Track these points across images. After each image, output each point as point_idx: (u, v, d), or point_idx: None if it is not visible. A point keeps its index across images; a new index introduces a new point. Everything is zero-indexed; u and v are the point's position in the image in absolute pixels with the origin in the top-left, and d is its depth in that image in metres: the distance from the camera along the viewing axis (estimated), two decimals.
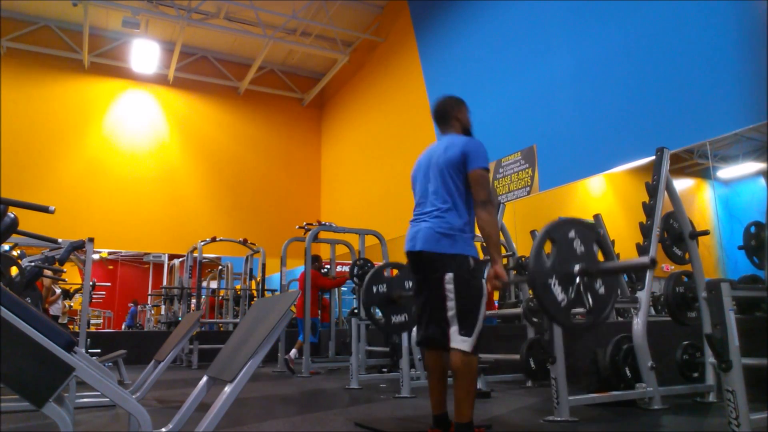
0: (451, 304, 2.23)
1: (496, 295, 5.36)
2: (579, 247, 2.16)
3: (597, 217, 5.48)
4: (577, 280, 2.08)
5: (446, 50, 7.73)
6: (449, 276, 2.24)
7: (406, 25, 8.79)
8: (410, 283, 3.25)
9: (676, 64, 4.55)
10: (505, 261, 2.30)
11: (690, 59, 4.44)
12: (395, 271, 3.57)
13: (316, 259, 6.95)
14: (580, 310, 2.16)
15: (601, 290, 2.15)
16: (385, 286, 3.14)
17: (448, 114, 2.59)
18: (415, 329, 3.37)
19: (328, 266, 7.91)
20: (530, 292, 4.88)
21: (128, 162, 10.02)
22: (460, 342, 2.20)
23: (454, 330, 2.21)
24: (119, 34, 9.90)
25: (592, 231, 2.24)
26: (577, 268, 2.09)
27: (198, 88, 10.86)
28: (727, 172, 4.56)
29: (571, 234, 2.16)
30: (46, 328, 1.59)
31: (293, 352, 6.16)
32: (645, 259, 1.93)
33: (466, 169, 2.34)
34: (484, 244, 2.35)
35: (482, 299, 2.27)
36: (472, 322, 2.22)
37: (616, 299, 2.24)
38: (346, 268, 7.28)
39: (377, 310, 3.46)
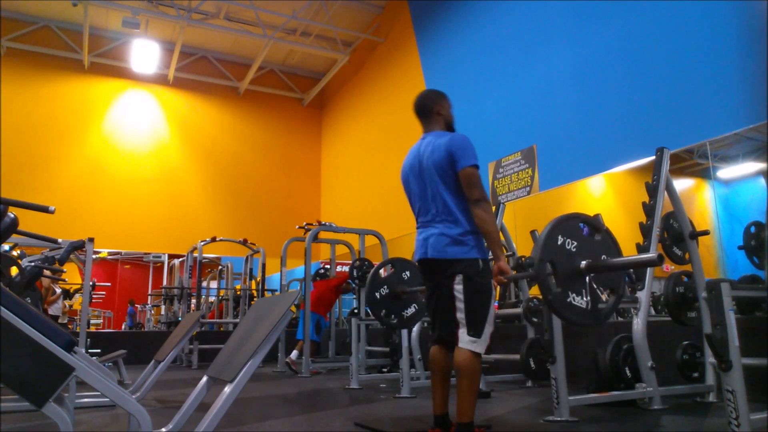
0: (460, 305, 2.24)
1: (496, 295, 5.36)
2: (585, 242, 2.14)
3: (597, 217, 5.48)
4: (586, 277, 2.07)
5: (446, 50, 7.73)
6: (459, 278, 2.25)
7: (406, 25, 8.79)
8: (408, 274, 3.24)
9: (676, 64, 4.55)
10: (505, 261, 2.29)
11: (690, 59, 4.43)
12: (383, 270, 3.56)
13: (317, 273, 6.99)
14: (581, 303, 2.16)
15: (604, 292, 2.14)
16: (385, 287, 3.13)
17: (429, 108, 2.57)
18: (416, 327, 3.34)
19: (328, 266, 7.91)
20: (531, 292, 4.89)
21: (128, 162, 10.02)
22: (468, 343, 2.20)
23: (462, 331, 2.22)
24: (119, 34, 9.90)
25: (599, 225, 2.23)
26: (583, 264, 2.08)
27: (198, 88, 10.86)
28: (727, 172, 4.55)
29: (577, 230, 2.15)
30: (46, 328, 1.59)
31: (294, 353, 6.16)
32: (652, 255, 1.93)
33: (455, 169, 2.32)
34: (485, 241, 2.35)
35: (491, 301, 2.28)
36: (481, 324, 2.23)
37: (623, 296, 2.24)
38: (346, 268, 7.28)
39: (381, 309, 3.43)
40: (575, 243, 2.05)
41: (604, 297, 2.15)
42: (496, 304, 5.41)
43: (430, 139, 2.47)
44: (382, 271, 3.34)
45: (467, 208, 2.33)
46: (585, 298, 2.10)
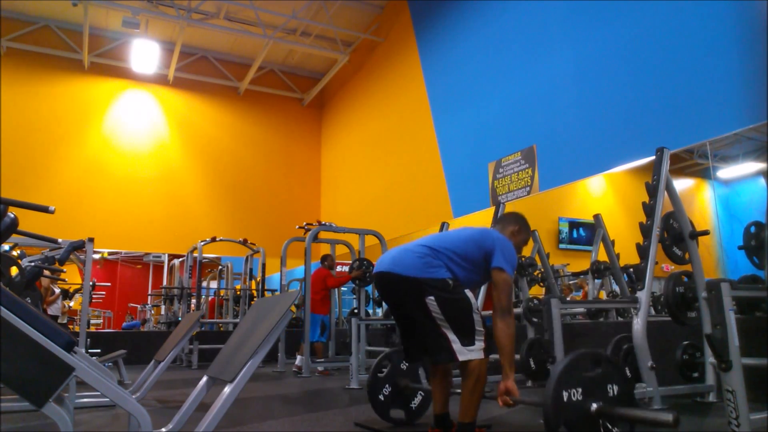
0: (443, 323, 2.19)
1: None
2: (602, 384, 2.06)
3: (597, 217, 5.48)
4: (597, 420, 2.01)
5: (446, 50, 7.73)
6: (431, 299, 2.18)
7: (406, 25, 8.79)
8: (405, 366, 3.17)
9: (676, 64, 4.54)
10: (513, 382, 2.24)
11: (690, 59, 4.43)
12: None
13: (325, 258, 6.94)
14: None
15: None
16: (387, 386, 3.08)
17: (509, 222, 2.56)
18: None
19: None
20: (531, 292, 4.89)
21: (128, 162, 10.01)
22: (467, 353, 2.18)
23: (457, 346, 2.18)
24: (119, 34, 9.90)
25: (619, 372, 2.14)
26: (594, 408, 2.01)
27: (198, 88, 10.86)
28: (727, 172, 4.56)
29: (597, 368, 2.07)
30: (46, 328, 1.59)
31: (299, 359, 6.13)
32: (668, 417, 1.87)
33: (488, 259, 2.28)
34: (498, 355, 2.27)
35: (471, 310, 2.23)
36: (470, 332, 2.20)
37: None
38: (346, 268, 7.29)
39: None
40: (579, 389, 2.00)
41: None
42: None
43: (487, 230, 2.45)
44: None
45: (462, 277, 2.27)
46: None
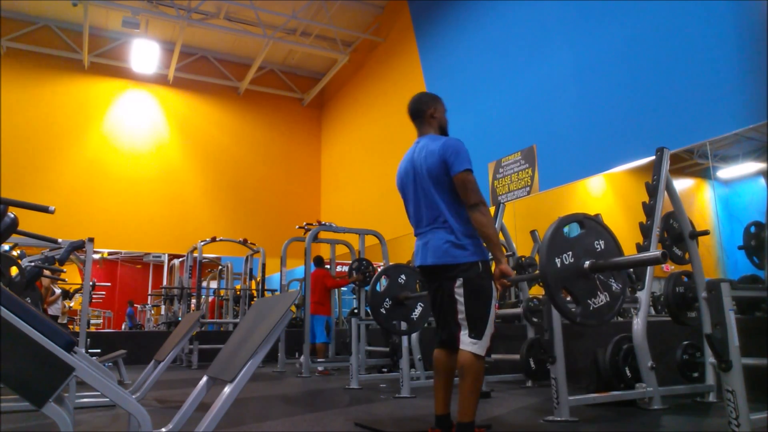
0: (461, 308, 2.25)
1: (497, 295, 5.36)
2: (589, 242, 2.15)
3: (597, 217, 5.48)
4: (592, 275, 2.09)
5: (446, 50, 7.73)
6: (459, 281, 2.26)
7: (406, 25, 8.79)
8: (403, 278, 3.24)
9: (676, 64, 4.55)
10: (505, 261, 2.29)
11: (690, 59, 4.44)
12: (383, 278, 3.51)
13: (320, 261, 6.97)
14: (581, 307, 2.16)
15: (614, 286, 2.15)
16: (387, 299, 3.13)
17: (423, 112, 2.52)
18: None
19: (328, 266, 7.91)
20: (531, 292, 4.89)
21: (128, 162, 10.02)
22: (469, 345, 2.21)
23: (464, 333, 2.23)
24: (119, 34, 9.90)
25: (603, 227, 2.25)
26: (587, 264, 2.09)
27: (198, 88, 10.86)
28: (727, 172, 4.56)
29: (580, 229, 2.16)
30: (46, 328, 1.59)
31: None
32: (657, 254, 1.95)
33: (449, 174, 2.31)
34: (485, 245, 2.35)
35: (491, 303, 2.28)
36: (482, 325, 2.24)
37: (626, 295, 2.25)
38: (346, 268, 7.29)
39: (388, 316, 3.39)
40: (570, 252, 2.07)
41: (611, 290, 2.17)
42: (497, 304, 5.42)
43: (424, 143, 2.45)
44: (380, 285, 3.34)
45: (464, 212, 2.33)
46: (602, 295, 2.13)
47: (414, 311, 3.17)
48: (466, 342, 2.22)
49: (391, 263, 3.27)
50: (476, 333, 2.22)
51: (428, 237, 2.37)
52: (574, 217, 2.27)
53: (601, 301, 2.13)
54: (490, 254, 2.34)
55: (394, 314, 3.10)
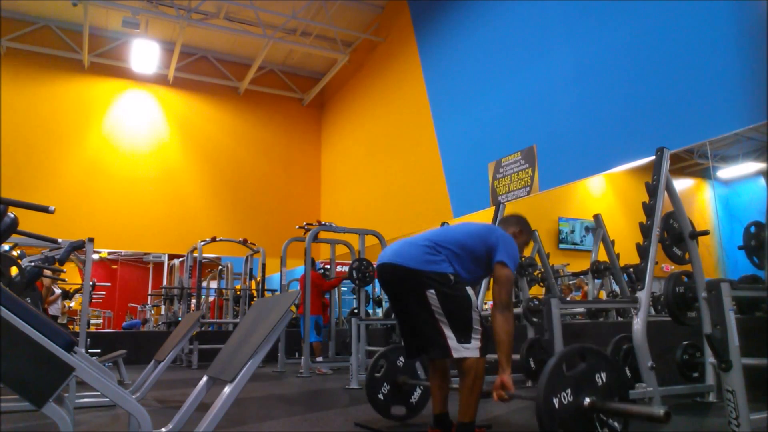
0: (441, 318, 2.20)
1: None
2: (590, 376, 2.07)
3: (597, 217, 5.48)
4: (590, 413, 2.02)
5: (446, 50, 7.73)
6: (431, 293, 2.20)
7: (406, 25, 8.78)
8: (402, 360, 3.14)
9: (676, 64, 4.54)
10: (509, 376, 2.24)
11: (690, 59, 4.43)
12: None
13: (311, 262, 6.97)
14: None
15: (614, 424, 2.07)
16: (385, 384, 3.08)
17: (511, 224, 2.59)
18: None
19: (328, 266, 7.91)
20: (531, 292, 4.89)
21: (128, 162, 10.02)
22: (462, 350, 2.19)
23: (452, 342, 2.19)
24: (119, 34, 9.90)
25: (605, 358, 2.16)
26: (587, 402, 2.02)
27: (198, 88, 10.86)
28: (727, 172, 4.56)
29: (582, 364, 2.07)
30: (46, 328, 1.59)
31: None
32: (659, 412, 1.89)
33: (489, 254, 2.31)
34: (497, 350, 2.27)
35: (471, 307, 2.23)
36: (467, 329, 2.20)
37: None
38: (346, 268, 7.29)
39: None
40: (569, 389, 2.01)
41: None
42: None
43: (491, 226, 2.49)
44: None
45: (462, 267, 2.29)
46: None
47: (413, 395, 3.13)
48: (458, 348, 2.18)
49: (388, 347, 3.21)
50: (465, 338, 2.19)
51: (406, 243, 2.34)
52: (576, 349, 2.16)
53: None
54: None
55: (393, 399, 3.06)
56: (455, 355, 2.18)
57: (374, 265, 6.77)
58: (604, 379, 2.05)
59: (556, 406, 1.93)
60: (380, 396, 3.01)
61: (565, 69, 5.68)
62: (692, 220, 3.57)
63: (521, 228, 2.59)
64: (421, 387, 3.10)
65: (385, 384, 3.03)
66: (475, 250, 2.33)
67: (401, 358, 3.10)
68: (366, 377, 3.05)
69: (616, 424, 2.05)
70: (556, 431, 1.90)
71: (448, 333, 2.19)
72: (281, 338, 6.58)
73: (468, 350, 2.18)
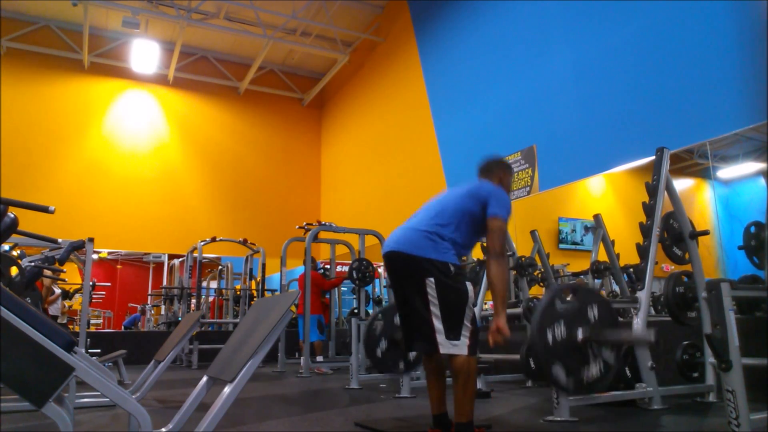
0: (434, 309, 2.20)
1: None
2: (582, 311, 2.10)
3: (597, 217, 5.48)
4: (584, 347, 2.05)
5: (446, 50, 7.73)
6: (431, 281, 2.20)
7: (406, 25, 8.78)
8: (398, 318, 3.21)
9: (676, 64, 4.54)
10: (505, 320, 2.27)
11: (690, 59, 4.43)
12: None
13: (312, 261, 6.97)
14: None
15: (607, 355, 2.11)
16: (383, 340, 3.11)
17: (493, 172, 2.60)
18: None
19: (328, 266, 7.91)
20: (531, 292, 4.89)
21: (128, 162, 10.02)
22: (450, 347, 2.17)
23: (441, 337, 2.18)
24: (119, 34, 9.90)
25: (596, 294, 2.21)
26: (580, 336, 2.04)
27: (198, 88, 10.86)
28: (727, 172, 4.56)
29: (574, 301, 2.11)
30: (46, 328, 1.59)
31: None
32: (650, 336, 1.94)
33: (484, 209, 2.33)
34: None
35: (466, 303, 2.23)
36: (458, 326, 2.19)
37: (620, 363, 2.22)
38: (346, 268, 7.29)
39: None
40: (562, 322, 2.04)
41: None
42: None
43: (479, 181, 2.53)
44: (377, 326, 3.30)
45: (463, 240, 2.33)
46: (595, 366, 2.09)
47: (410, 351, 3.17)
48: (446, 345, 2.18)
49: (386, 305, 3.27)
50: (454, 334, 2.18)
51: (408, 226, 2.38)
52: (567, 286, 2.24)
53: (594, 373, 2.09)
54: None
55: (391, 356, 3.08)
56: (442, 350, 2.18)
57: (374, 265, 6.77)
58: (596, 314, 2.09)
59: (550, 340, 1.96)
60: (378, 353, 3.02)
61: (565, 69, 5.68)
62: (692, 220, 3.57)
63: (503, 169, 2.61)
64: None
65: (383, 341, 3.05)
66: (474, 212, 2.35)
67: (397, 316, 3.12)
68: (364, 334, 3.06)
69: (608, 355, 2.09)
70: (552, 363, 1.94)
71: (438, 326, 2.18)
72: (281, 338, 6.58)
73: (456, 347, 2.17)
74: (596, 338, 2.04)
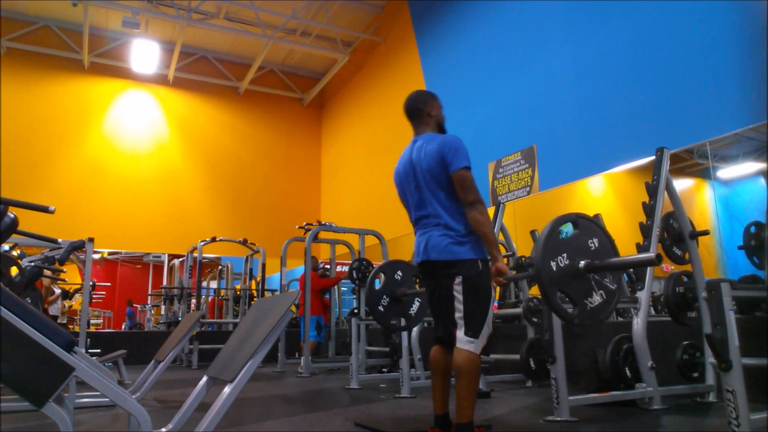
0: (459, 306, 2.25)
1: (496, 295, 5.36)
2: (583, 242, 2.16)
3: (597, 217, 5.48)
4: (587, 276, 2.10)
5: (446, 50, 7.73)
6: (458, 279, 2.26)
7: (406, 25, 8.79)
8: (400, 274, 3.26)
9: (677, 64, 4.55)
10: (504, 261, 2.30)
11: (690, 59, 4.43)
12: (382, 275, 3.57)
13: (313, 260, 6.97)
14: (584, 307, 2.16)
15: (610, 284, 2.17)
16: (384, 296, 3.14)
17: (420, 110, 2.53)
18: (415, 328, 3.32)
19: (328, 266, 7.91)
20: (531, 291, 4.89)
21: (128, 162, 10.02)
22: (465, 343, 2.22)
23: (460, 332, 2.23)
24: (119, 34, 9.90)
25: (597, 225, 2.26)
26: (582, 264, 2.10)
27: (198, 88, 10.86)
28: (727, 172, 4.56)
29: (575, 229, 2.16)
30: (46, 328, 1.59)
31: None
32: (651, 255, 1.96)
33: (448, 172, 2.32)
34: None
35: (490, 302, 2.29)
36: (479, 324, 2.24)
37: (621, 295, 2.27)
38: (346, 268, 7.29)
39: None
40: (565, 254, 2.07)
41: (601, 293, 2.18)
42: (496, 304, 5.42)
43: (422, 142, 2.46)
44: (378, 282, 3.35)
45: (463, 210, 2.33)
46: (598, 295, 2.14)
47: (411, 307, 3.19)
48: (463, 340, 2.22)
49: (386, 261, 3.27)
50: (473, 332, 2.22)
51: (428, 234, 2.37)
52: (567, 217, 2.27)
53: (597, 301, 2.14)
54: None
55: (392, 311, 3.11)
56: (458, 345, 2.22)
57: (374, 265, 6.77)
58: (597, 244, 2.14)
59: (554, 268, 1.99)
60: (380, 308, 3.04)
61: (565, 69, 5.68)
62: (692, 220, 3.57)
63: (428, 102, 2.52)
64: (419, 299, 3.15)
65: (385, 296, 3.07)
66: (448, 177, 2.30)
67: (399, 272, 3.13)
68: (366, 290, 3.08)
69: (610, 285, 2.13)
70: (556, 291, 1.98)
71: (460, 322, 2.24)
72: (281, 338, 6.58)
73: (472, 344, 2.21)
74: (598, 266, 2.09)
